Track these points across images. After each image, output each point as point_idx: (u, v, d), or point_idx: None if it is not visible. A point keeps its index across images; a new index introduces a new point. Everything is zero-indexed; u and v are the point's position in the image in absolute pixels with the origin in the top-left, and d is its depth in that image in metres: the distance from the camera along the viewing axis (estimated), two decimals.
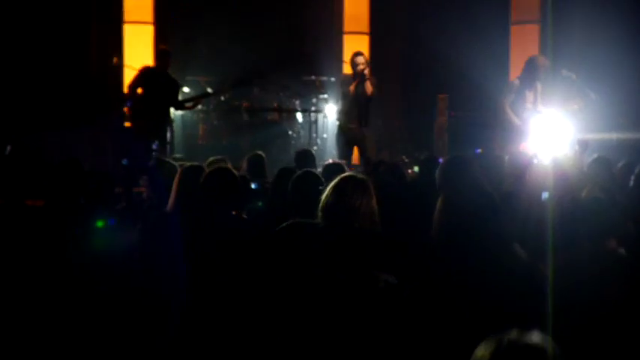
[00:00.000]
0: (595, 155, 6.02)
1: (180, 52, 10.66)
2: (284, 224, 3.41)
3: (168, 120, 8.10)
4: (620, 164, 6.37)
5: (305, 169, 3.94)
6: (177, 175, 4.20)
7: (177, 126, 9.56)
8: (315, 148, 10.09)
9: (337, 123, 8.38)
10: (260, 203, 4.72)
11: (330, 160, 6.27)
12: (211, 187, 3.66)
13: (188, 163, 4.41)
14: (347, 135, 8.10)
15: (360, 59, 8.09)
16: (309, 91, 10.17)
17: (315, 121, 9.90)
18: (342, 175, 3.32)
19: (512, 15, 11.36)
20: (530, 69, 8.39)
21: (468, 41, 11.14)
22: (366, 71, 8.05)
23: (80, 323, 3.51)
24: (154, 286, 3.44)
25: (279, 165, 9.57)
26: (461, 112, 10.60)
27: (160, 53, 8.15)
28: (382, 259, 3.09)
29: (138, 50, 10.54)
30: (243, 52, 10.57)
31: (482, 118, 9.53)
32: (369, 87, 8.00)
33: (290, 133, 9.99)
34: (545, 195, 4.17)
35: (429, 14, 11.68)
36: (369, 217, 3.17)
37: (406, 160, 10.11)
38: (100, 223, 4.88)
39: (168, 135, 7.99)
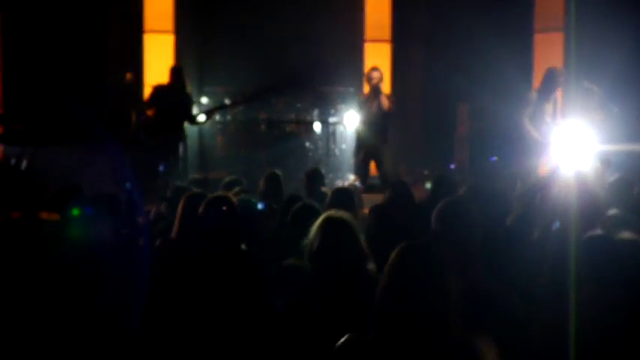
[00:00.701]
0: (617, 175, 5.86)
1: (200, 62, 10.70)
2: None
3: (181, 136, 8.04)
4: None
5: (304, 203, 3.82)
6: (180, 203, 4.14)
7: (195, 137, 9.52)
8: (337, 153, 10.06)
9: (355, 137, 8.31)
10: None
11: (340, 184, 6.18)
12: (208, 220, 3.60)
13: (193, 192, 4.32)
14: (364, 150, 8.02)
15: (375, 74, 8.04)
16: (328, 102, 10.08)
17: (334, 132, 9.82)
18: (327, 216, 3.26)
19: (536, 23, 11.16)
20: (549, 80, 8.23)
21: (490, 49, 10.99)
22: (381, 85, 7.95)
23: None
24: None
25: (296, 177, 9.66)
26: (482, 122, 10.44)
27: (172, 70, 8.17)
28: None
29: (158, 60, 10.55)
30: (262, 62, 10.53)
31: (503, 128, 9.34)
32: (385, 102, 7.93)
33: (308, 144, 9.92)
34: (556, 225, 4.03)
35: (452, 22, 11.54)
36: (356, 257, 3.12)
37: (426, 173, 9.99)
38: (75, 212, 4.90)
39: (181, 151, 7.91)
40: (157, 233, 4.48)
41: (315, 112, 10.14)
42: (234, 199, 3.80)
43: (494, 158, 9.73)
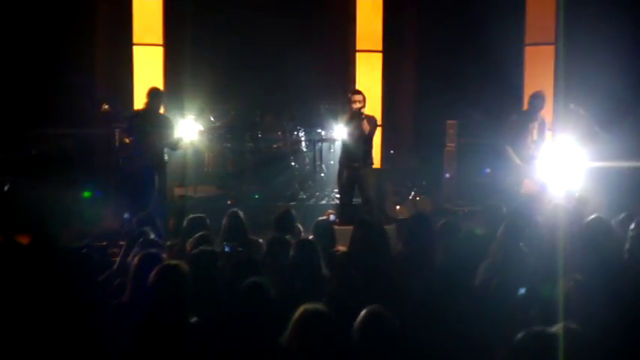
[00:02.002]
0: (593, 216, 5.82)
1: (190, 77, 10.66)
2: None
3: (162, 162, 7.93)
4: (621, 216, 6.19)
5: (253, 281, 3.72)
6: (134, 262, 4.13)
7: (182, 152, 9.47)
8: (322, 175, 10.01)
9: (338, 160, 8.28)
10: None
11: (321, 218, 6.14)
12: (156, 291, 3.59)
13: (148, 252, 4.26)
14: (347, 173, 7.98)
15: (357, 97, 7.95)
16: (316, 119, 10.03)
17: (320, 149, 9.79)
18: (304, 309, 3.19)
19: (527, 36, 11.06)
20: (530, 106, 8.24)
21: (481, 63, 10.93)
22: (363, 110, 7.90)
23: None
24: None
25: (282, 195, 9.64)
26: (471, 139, 10.38)
27: (151, 93, 7.91)
28: None
29: (147, 72, 10.53)
30: (249, 80, 10.50)
31: (493, 144, 9.26)
32: (366, 126, 7.86)
33: (294, 161, 9.89)
34: (521, 291, 4.01)
35: (442, 35, 11.48)
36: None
37: (415, 191, 9.94)
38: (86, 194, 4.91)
39: (157, 182, 7.78)
40: (115, 288, 4.45)
41: (302, 129, 10.08)
42: (185, 269, 3.76)
43: (487, 170, 9.67)
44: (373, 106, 11.19)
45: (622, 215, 6.19)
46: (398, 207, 9.48)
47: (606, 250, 4.83)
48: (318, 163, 9.83)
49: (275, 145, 9.88)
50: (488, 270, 4.75)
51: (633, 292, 4.11)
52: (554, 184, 8.66)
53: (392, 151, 10.85)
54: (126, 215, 6.76)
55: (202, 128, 9.75)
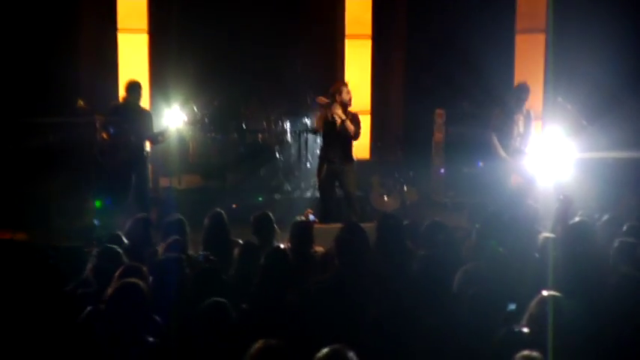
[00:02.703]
0: (576, 219, 5.71)
1: (175, 65, 10.49)
2: None
3: (142, 157, 7.73)
4: (604, 218, 6.08)
5: (214, 301, 3.58)
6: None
7: (172, 143, 9.31)
8: (308, 165, 9.87)
9: (318, 155, 8.12)
10: None
11: (299, 218, 5.98)
12: (113, 308, 3.47)
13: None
14: (327, 168, 7.83)
15: (346, 89, 7.77)
16: (303, 108, 9.85)
17: (306, 140, 9.62)
18: (258, 347, 3.01)
19: (518, 24, 10.87)
20: (513, 98, 8.10)
21: (471, 50, 10.75)
22: (349, 105, 7.68)
23: None
24: None
25: (267, 186, 9.52)
26: (460, 129, 10.23)
27: (129, 87, 7.75)
28: None
29: (132, 59, 10.34)
30: (235, 68, 10.32)
31: (482, 134, 9.11)
32: (350, 127, 7.68)
33: (278, 153, 9.75)
34: (512, 307, 3.89)
35: (432, 22, 11.29)
36: None
37: (403, 183, 9.80)
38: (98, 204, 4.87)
39: (134, 179, 7.60)
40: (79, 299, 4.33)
41: (287, 119, 9.92)
42: (144, 287, 3.64)
43: (481, 164, 9.54)
44: (362, 94, 11.07)
45: (606, 216, 6.10)
46: (386, 198, 9.34)
47: (587, 260, 4.71)
48: (303, 153, 9.66)
49: (260, 136, 9.72)
50: (465, 276, 4.62)
51: (613, 306, 4.00)
52: (542, 176, 8.60)
53: (379, 143, 10.66)
54: (95, 221, 6.63)
55: (186, 118, 9.59)
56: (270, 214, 5.74)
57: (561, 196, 5.70)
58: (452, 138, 10.21)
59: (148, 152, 7.80)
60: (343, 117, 7.62)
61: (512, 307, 3.89)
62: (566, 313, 3.64)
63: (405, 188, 9.85)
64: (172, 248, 4.90)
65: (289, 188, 9.52)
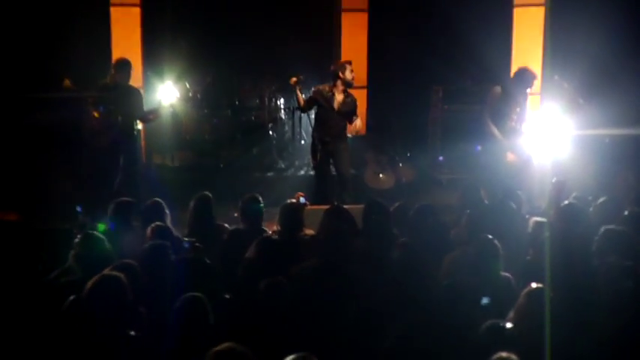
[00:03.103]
0: (566, 202, 5.63)
1: (169, 41, 10.34)
2: None
3: (133, 136, 7.60)
4: (600, 200, 6.00)
5: (192, 296, 3.51)
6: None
7: (166, 119, 9.20)
8: (302, 142, 9.78)
9: (311, 136, 8.03)
10: None
11: (289, 201, 5.88)
12: (92, 302, 3.41)
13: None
14: (321, 147, 7.73)
15: (350, 68, 7.66)
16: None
17: (300, 117, 9.52)
18: (220, 349, 2.96)
19: None
20: (519, 81, 7.91)
21: (467, 25, 10.58)
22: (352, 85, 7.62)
23: None
24: None
25: (260, 166, 9.42)
26: (457, 105, 10.13)
27: (118, 65, 7.57)
28: None
29: (125, 34, 10.18)
30: (229, 44, 10.18)
31: (479, 112, 9.00)
32: (346, 102, 7.60)
33: (272, 130, 9.64)
34: (485, 300, 3.84)
35: None
36: None
37: (398, 160, 9.72)
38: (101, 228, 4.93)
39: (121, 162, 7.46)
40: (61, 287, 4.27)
41: (281, 96, 9.80)
42: (124, 281, 3.57)
43: (479, 147, 9.45)
44: (358, 70, 10.90)
45: (602, 198, 6.02)
46: (380, 177, 9.25)
47: (575, 247, 4.65)
48: (297, 130, 9.57)
49: (253, 114, 9.61)
50: (454, 264, 4.57)
51: (599, 297, 3.94)
52: (539, 154, 8.51)
53: (374, 119, 10.51)
54: (78, 208, 6.54)
55: (179, 95, 9.49)
56: (258, 197, 5.64)
57: (554, 179, 5.62)
58: (448, 115, 10.13)
59: (138, 131, 7.69)
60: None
61: (485, 301, 3.84)
62: (553, 306, 3.59)
63: (401, 165, 9.79)
64: (157, 235, 4.82)
65: (283, 166, 9.44)
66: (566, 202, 5.61)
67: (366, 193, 8.96)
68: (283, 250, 4.67)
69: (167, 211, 5.52)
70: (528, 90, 7.98)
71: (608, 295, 3.84)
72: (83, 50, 10.13)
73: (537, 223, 5.06)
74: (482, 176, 8.24)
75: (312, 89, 7.88)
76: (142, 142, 9.89)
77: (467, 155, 9.60)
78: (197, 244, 4.85)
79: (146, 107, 7.91)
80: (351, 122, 7.66)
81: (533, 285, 3.69)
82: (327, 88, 7.68)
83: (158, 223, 5.03)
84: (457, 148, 9.92)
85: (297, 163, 9.43)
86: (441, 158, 10.08)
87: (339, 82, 7.63)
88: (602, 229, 4.83)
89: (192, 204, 5.62)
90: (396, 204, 5.84)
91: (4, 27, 9.83)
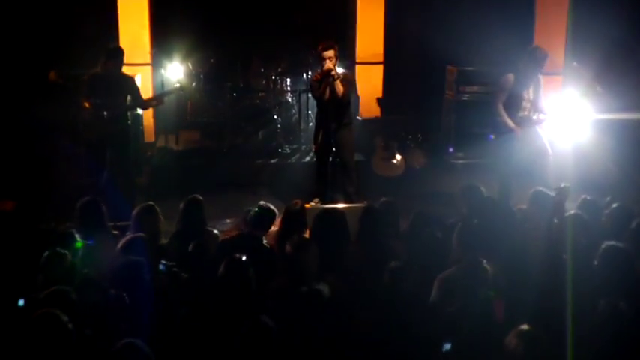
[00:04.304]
0: (572, 212, 5.27)
1: (178, 20, 10.06)
2: None
3: (126, 127, 7.24)
4: (613, 206, 5.65)
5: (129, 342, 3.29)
6: None
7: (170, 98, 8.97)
8: (310, 125, 9.47)
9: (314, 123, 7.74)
10: None
11: (262, 203, 5.57)
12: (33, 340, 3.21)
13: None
14: (323, 135, 7.42)
15: (328, 53, 7.19)
16: (303, 65, 9.36)
17: (307, 99, 9.19)
18: None
19: None
20: (529, 62, 7.46)
21: (486, 4, 10.10)
22: (334, 71, 7.19)
23: None
24: None
25: (265, 149, 9.11)
26: (471, 87, 9.70)
27: (109, 53, 7.10)
28: None
29: (132, 20, 9.90)
30: (238, 20, 9.85)
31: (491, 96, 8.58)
32: (339, 88, 7.20)
33: (276, 114, 9.33)
34: (446, 346, 3.58)
35: None
36: None
37: (410, 144, 9.36)
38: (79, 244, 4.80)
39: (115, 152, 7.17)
40: None
41: (288, 78, 9.45)
42: (64, 319, 3.34)
43: (492, 137, 9.07)
44: (374, 46, 10.54)
45: (615, 205, 5.67)
46: (388, 163, 8.91)
47: (575, 267, 4.33)
48: (305, 112, 9.25)
49: (260, 95, 9.29)
50: (442, 285, 4.28)
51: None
52: (560, 139, 8.15)
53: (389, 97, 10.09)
54: None
55: (182, 75, 9.23)
56: (199, 199, 5.41)
57: (560, 185, 5.25)
58: (463, 97, 9.72)
59: (140, 116, 7.36)
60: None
61: (447, 346, 3.58)
62: (541, 348, 3.34)
63: (413, 150, 9.43)
64: (133, 248, 4.57)
65: (288, 151, 9.15)
66: (572, 211, 5.23)
67: (374, 180, 8.70)
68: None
69: (160, 216, 5.26)
70: (540, 74, 7.51)
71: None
72: (90, 31, 9.87)
73: (536, 239, 4.75)
74: (495, 164, 7.91)
75: (310, 78, 7.57)
76: (152, 121, 9.77)
77: (482, 139, 9.19)
78: (175, 269, 4.54)
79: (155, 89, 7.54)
80: (345, 99, 7.34)
81: (523, 327, 3.41)
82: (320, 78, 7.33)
83: (137, 234, 4.78)
84: (472, 132, 9.53)
85: (303, 148, 9.11)
86: (451, 150, 9.70)
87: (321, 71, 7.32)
88: (604, 245, 4.50)
89: (182, 206, 5.37)
90: (383, 199, 5.55)
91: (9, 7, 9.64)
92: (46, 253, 4.23)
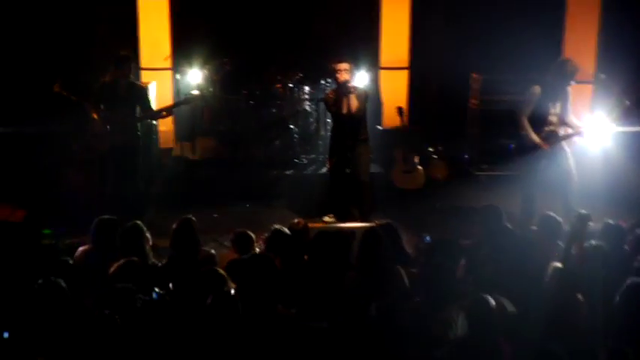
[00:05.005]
0: (593, 242, 4.96)
1: (198, 25, 9.92)
2: None
3: (135, 139, 6.99)
4: (637, 231, 5.35)
5: None
6: None
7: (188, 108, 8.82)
8: (329, 134, 9.22)
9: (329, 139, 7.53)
10: None
11: (277, 226, 5.38)
12: None
13: None
14: (339, 152, 7.20)
15: (342, 66, 7.03)
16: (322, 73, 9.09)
17: (325, 109, 8.92)
18: None
19: None
20: (557, 74, 7.13)
21: (514, 11, 9.76)
22: (350, 83, 7.00)
23: None
24: None
25: (281, 159, 8.91)
26: (497, 96, 9.37)
27: (118, 61, 6.83)
28: None
29: (153, 25, 9.76)
30: (254, 31, 9.64)
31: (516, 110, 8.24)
32: (354, 102, 6.98)
33: (293, 124, 9.09)
34: None
35: None
36: None
37: (433, 156, 9.05)
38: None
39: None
40: None
41: (306, 86, 9.21)
42: None
43: (512, 146, 8.75)
44: (399, 51, 10.22)
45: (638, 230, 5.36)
46: (408, 175, 8.63)
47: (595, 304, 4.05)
48: (323, 120, 9.00)
49: (276, 104, 9.05)
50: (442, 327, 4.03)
51: None
52: (589, 151, 7.83)
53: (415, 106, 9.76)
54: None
55: (202, 81, 9.06)
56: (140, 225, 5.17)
57: (581, 211, 4.94)
58: (488, 106, 9.39)
59: (155, 127, 7.13)
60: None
61: None
62: None
63: (434, 161, 9.12)
64: (124, 273, 4.40)
65: (305, 161, 8.92)
66: (592, 242, 4.92)
67: (393, 193, 8.44)
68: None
69: (147, 235, 5.08)
70: (569, 87, 7.18)
71: None
72: (110, 36, 9.74)
73: (555, 269, 4.46)
74: (520, 179, 7.61)
75: (324, 94, 7.37)
76: (172, 127, 9.63)
77: (507, 149, 8.86)
78: (167, 297, 4.36)
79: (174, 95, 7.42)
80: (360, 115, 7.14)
81: None
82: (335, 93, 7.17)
83: (131, 258, 4.61)
84: (497, 143, 9.21)
85: (321, 158, 8.86)
86: (466, 156, 9.39)
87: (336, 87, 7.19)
88: (629, 281, 4.21)
89: (175, 226, 5.18)
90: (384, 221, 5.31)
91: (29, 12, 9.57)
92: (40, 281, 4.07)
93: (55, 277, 4.00)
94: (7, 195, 7.22)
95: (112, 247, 5.00)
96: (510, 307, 4.20)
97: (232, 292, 3.98)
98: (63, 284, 3.95)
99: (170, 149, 9.43)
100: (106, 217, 5.23)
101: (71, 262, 5.06)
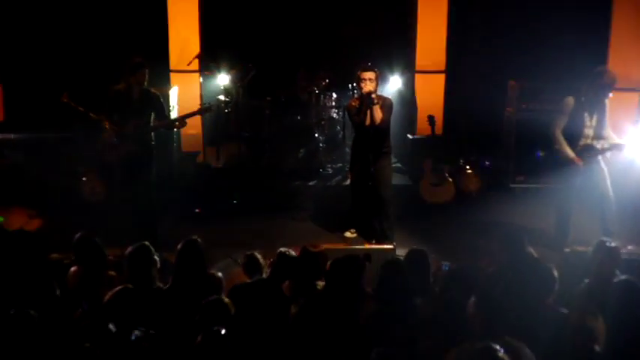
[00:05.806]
0: (622, 277, 4.51)
1: (228, 29, 9.71)
2: None
3: (149, 149, 6.69)
4: None
5: None
6: None
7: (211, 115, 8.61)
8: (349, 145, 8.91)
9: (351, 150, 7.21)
10: None
11: (282, 250, 5.07)
12: None
13: None
14: (361, 166, 6.86)
15: (367, 75, 6.63)
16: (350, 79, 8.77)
17: None
18: None
19: None
20: (592, 85, 6.68)
21: (556, 12, 9.27)
22: (374, 94, 6.61)
23: None
24: None
25: (307, 170, 8.62)
26: (535, 104, 8.89)
27: (131, 67, 6.50)
28: None
29: (183, 24, 9.56)
30: (282, 35, 9.37)
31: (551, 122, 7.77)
32: (378, 114, 6.62)
33: (318, 133, 8.79)
34: None
35: None
36: None
37: (466, 167, 8.63)
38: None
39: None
40: None
41: (333, 92, 8.88)
42: None
43: (540, 154, 8.30)
44: (436, 54, 9.82)
45: None
46: (436, 189, 8.24)
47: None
48: (350, 130, 8.67)
49: (302, 112, 8.77)
50: None
51: None
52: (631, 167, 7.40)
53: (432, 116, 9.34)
54: None
55: (229, 83, 8.83)
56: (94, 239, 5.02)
57: (609, 244, 4.53)
58: (525, 114, 8.92)
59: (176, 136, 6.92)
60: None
61: None
62: None
63: (467, 172, 8.68)
64: (118, 302, 4.17)
65: (330, 171, 8.61)
66: (622, 277, 4.46)
67: (419, 207, 8.07)
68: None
69: (155, 257, 4.80)
70: (607, 98, 6.72)
71: None
72: (138, 43, 9.57)
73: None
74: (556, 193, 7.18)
75: (346, 104, 7.03)
76: (200, 130, 9.43)
77: (545, 161, 8.41)
78: (150, 333, 4.08)
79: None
80: (383, 126, 6.78)
81: None
82: (359, 102, 6.82)
83: (126, 286, 4.38)
84: (533, 153, 8.74)
85: (346, 168, 8.54)
86: (487, 163, 8.95)
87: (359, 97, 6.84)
88: None
89: (179, 246, 4.89)
90: (412, 248, 5.00)
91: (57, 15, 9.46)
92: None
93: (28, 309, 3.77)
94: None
95: (95, 263, 4.92)
96: (528, 355, 3.79)
97: (223, 332, 3.65)
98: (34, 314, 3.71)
99: (196, 153, 9.24)
100: (85, 232, 5.04)
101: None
